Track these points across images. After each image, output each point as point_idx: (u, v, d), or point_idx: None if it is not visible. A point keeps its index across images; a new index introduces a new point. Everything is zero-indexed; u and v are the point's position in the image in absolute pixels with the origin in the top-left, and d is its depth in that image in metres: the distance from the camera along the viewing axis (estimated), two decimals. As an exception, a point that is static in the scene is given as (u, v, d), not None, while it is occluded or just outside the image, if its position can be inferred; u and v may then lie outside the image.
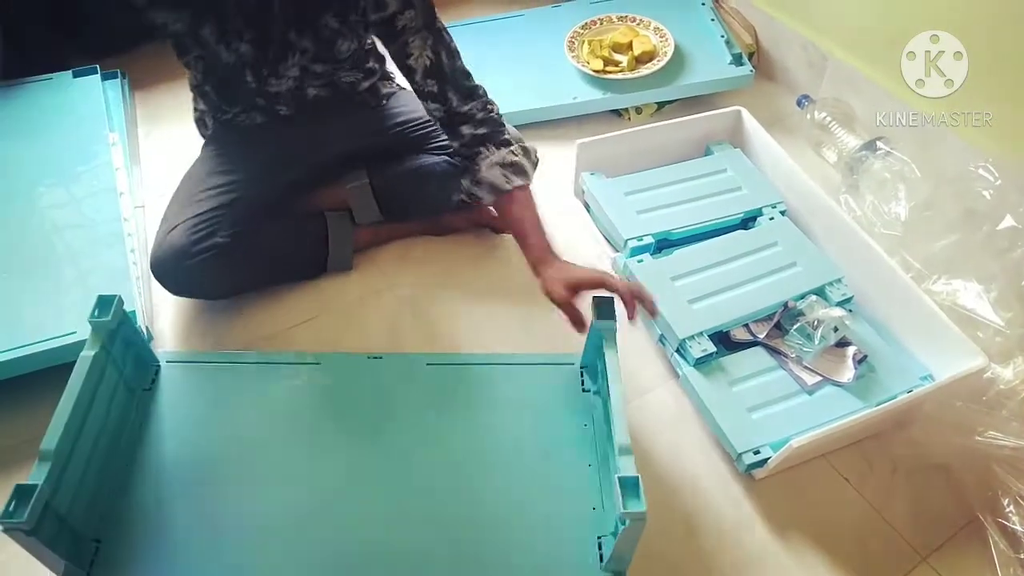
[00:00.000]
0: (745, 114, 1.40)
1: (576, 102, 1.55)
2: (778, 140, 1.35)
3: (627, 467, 0.83)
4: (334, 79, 1.19)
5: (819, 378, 1.09)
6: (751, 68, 1.59)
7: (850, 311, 1.17)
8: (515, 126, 1.49)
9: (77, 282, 1.14)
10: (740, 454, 1.01)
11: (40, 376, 1.05)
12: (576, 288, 0.99)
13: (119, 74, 1.52)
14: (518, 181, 1.09)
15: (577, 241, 1.31)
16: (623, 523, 0.80)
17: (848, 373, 1.09)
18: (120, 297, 0.95)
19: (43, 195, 1.27)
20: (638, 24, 1.66)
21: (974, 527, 1.00)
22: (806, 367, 1.10)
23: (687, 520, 1.01)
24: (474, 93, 1.11)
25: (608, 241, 1.32)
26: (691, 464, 1.07)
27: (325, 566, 0.90)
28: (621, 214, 1.28)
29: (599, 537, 0.93)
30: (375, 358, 1.11)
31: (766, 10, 1.68)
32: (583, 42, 1.63)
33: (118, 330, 0.97)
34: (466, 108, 1.10)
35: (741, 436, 1.03)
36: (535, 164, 1.15)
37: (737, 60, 1.60)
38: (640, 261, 1.21)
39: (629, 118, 1.60)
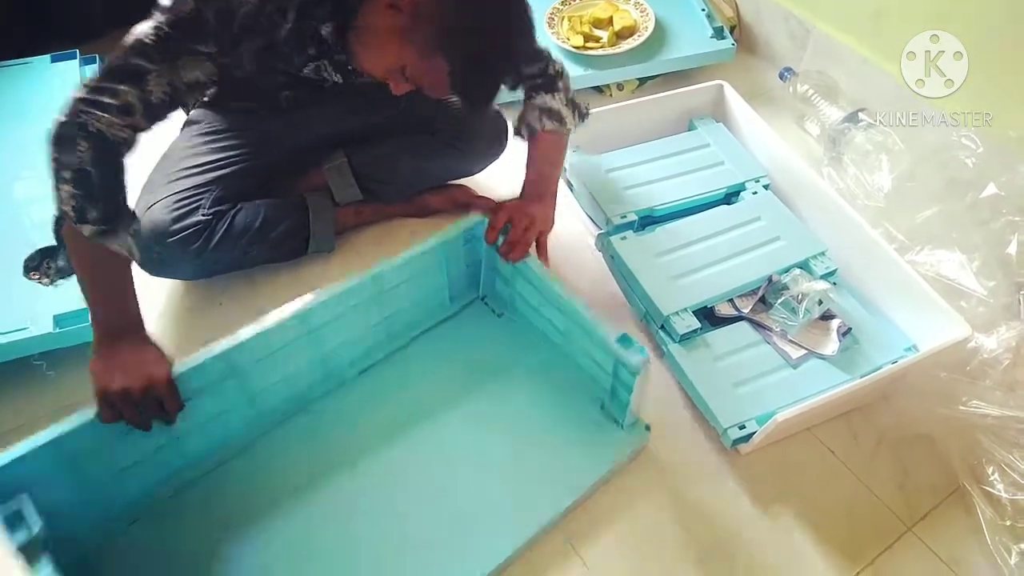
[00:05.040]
0: (727, 88, 1.39)
1: (557, 79, 1.53)
2: (761, 114, 1.34)
3: (610, 331, 0.96)
4: None
5: (804, 351, 1.09)
6: (733, 42, 1.58)
7: (834, 284, 1.16)
8: (496, 105, 1.49)
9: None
10: (726, 429, 1.01)
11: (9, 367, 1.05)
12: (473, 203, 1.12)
13: (98, 59, 1.49)
14: (549, 125, 1.11)
15: (560, 220, 1.30)
16: (636, 373, 0.93)
17: (832, 346, 1.09)
18: (26, 496, 0.81)
19: (17, 183, 1.24)
20: (618, -1, 1.64)
21: (958, 496, 1.01)
22: (791, 341, 1.10)
23: (673, 496, 1.01)
24: (536, 56, 1.11)
25: (591, 219, 1.30)
26: (677, 440, 1.07)
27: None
28: (604, 192, 1.26)
29: (601, 407, 1.05)
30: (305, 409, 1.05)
31: (747, -18, 1.66)
32: (563, 18, 1.61)
33: (45, 538, 0.81)
34: (529, 71, 1.11)
35: (726, 411, 1.02)
36: (581, 115, 1.16)
37: (718, 34, 1.58)
38: (624, 238, 1.20)
39: (611, 95, 1.58)
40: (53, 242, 0.94)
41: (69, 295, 1.07)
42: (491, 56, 0.90)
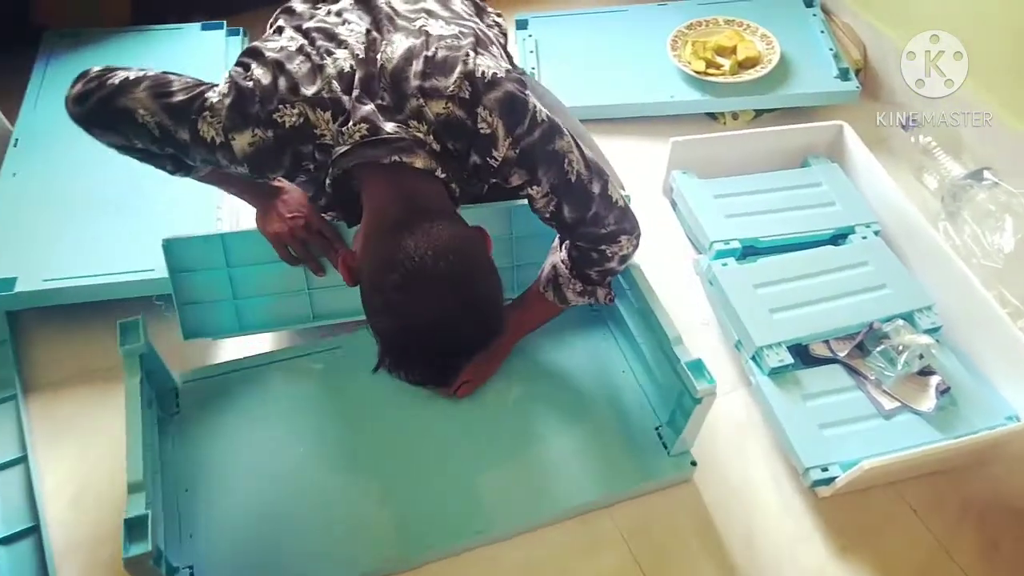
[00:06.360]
0: (847, 129, 1.37)
1: (673, 101, 1.53)
2: (877, 160, 1.31)
3: (685, 353, 0.93)
4: None
5: (898, 404, 1.06)
6: (857, 84, 1.55)
7: (937, 340, 1.13)
8: (610, 119, 1.51)
9: (172, 221, 1.20)
10: (807, 469, 0.99)
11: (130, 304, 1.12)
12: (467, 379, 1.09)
13: (241, 31, 1.58)
14: (549, 293, 1.06)
15: (661, 239, 1.30)
16: (697, 401, 0.90)
17: (929, 403, 1.06)
18: (142, 319, 0.95)
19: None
20: (745, 29, 1.64)
21: (1048, 578, 0.97)
22: (885, 391, 1.07)
23: (746, 528, 1.00)
24: (600, 239, 0.97)
25: (692, 243, 1.31)
26: (755, 473, 1.06)
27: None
28: (709, 216, 1.26)
29: (656, 428, 1.06)
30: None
31: (878, 26, 1.63)
32: (687, 42, 1.62)
33: (147, 355, 0.96)
34: (586, 245, 0.99)
35: (810, 451, 1.01)
36: (598, 300, 1.06)
37: (844, 75, 1.56)
38: (724, 265, 1.20)
39: (724, 123, 1.58)
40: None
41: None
42: (403, 347, 0.81)
